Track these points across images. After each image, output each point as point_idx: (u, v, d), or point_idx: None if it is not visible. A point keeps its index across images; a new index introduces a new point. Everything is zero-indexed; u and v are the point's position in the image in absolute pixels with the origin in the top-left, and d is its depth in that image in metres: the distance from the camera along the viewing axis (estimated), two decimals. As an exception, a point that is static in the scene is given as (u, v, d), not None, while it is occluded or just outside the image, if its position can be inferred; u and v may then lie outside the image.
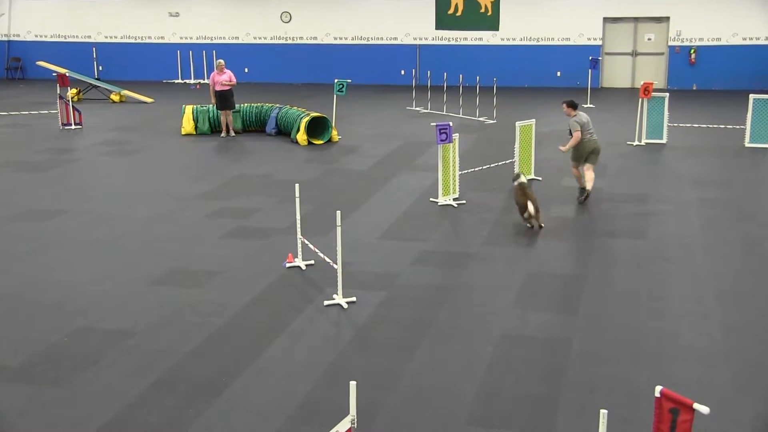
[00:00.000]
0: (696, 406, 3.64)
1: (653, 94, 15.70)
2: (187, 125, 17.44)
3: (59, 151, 15.93)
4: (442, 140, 11.26)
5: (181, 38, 27.68)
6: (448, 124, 11.35)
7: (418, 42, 25.90)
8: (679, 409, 3.71)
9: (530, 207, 10.26)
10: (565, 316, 7.68)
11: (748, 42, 23.73)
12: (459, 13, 18.60)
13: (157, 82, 27.12)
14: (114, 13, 27.94)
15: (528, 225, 10.39)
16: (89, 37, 28.29)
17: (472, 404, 6.08)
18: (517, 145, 12.63)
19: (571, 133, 11.53)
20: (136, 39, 28.10)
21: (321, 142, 16.37)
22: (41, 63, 24.87)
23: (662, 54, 24.62)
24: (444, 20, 18.93)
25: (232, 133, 17.36)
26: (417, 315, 7.74)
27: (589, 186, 11.58)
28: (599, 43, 24.82)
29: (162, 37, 27.89)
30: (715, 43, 24.00)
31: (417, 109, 20.72)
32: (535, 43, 25.18)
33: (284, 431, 5.74)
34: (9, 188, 12.99)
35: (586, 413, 5.87)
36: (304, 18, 26.74)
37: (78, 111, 18.50)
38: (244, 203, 11.80)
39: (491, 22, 18.63)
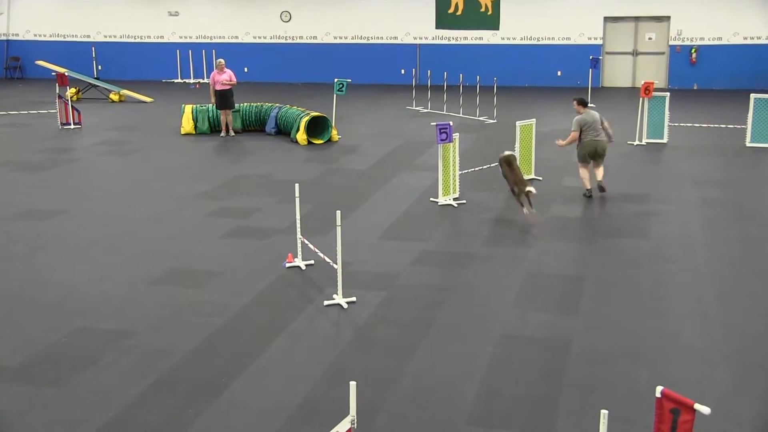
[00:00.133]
0: (697, 406, 3.62)
1: (654, 93, 15.68)
2: (187, 125, 17.42)
3: (58, 150, 15.92)
4: (442, 140, 11.24)
5: (181, 38, 27.66)
6: (449, 124, 11.33)
7: (418, 41, 25.89)
8: (680, 410, 3.71)
9: (532, 188, 10.44)
10: (566, 316, 7.67)
11: (749, 41, 23.72)
12: (459, 13, 18.60)
13: (156, 81, 27.10)
14: (113, 12, 27.93)
15: (520, 204, 10.48)
16: (88, 36, 28.28)
17: (472, 404, 6.06)
18: (517, 145, 12.62)
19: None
20: (135, 38, 28.09)
21: (321, 141, 16.36)
22: (40, 62, 24.83)
23: (663, 53, 24.61)
24: (444, 19, 18.92)
25: (232, 133, 17.34)
26: (417, 315, 7.72)
27: (599, 177, 11.76)
28: (600, 42, 24.81)
29: (161, 37, 27.88)
30: (716, 42, 23.99)
31: (417, 108, 20.70)
32: (535, 42, 25.17)
33: (284, 431, 5.73)
34: (8, 188, 12.97)
35: (586, 413, 5.85)
36: (303, 17, 26.73)
37: (77, 110, 18.48)
38: (244, 203, 11.78)
39: (491, 22, 18.63)
